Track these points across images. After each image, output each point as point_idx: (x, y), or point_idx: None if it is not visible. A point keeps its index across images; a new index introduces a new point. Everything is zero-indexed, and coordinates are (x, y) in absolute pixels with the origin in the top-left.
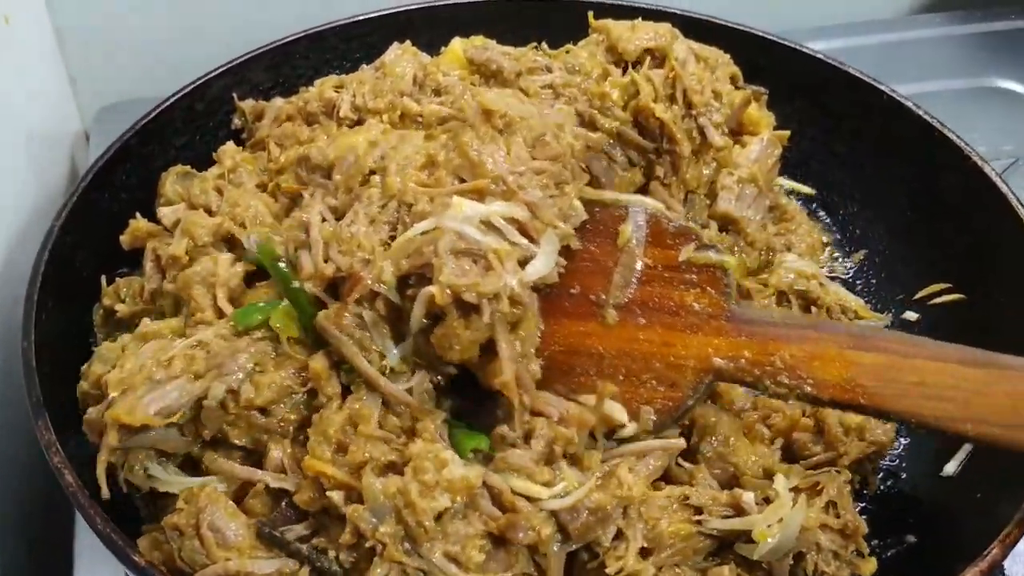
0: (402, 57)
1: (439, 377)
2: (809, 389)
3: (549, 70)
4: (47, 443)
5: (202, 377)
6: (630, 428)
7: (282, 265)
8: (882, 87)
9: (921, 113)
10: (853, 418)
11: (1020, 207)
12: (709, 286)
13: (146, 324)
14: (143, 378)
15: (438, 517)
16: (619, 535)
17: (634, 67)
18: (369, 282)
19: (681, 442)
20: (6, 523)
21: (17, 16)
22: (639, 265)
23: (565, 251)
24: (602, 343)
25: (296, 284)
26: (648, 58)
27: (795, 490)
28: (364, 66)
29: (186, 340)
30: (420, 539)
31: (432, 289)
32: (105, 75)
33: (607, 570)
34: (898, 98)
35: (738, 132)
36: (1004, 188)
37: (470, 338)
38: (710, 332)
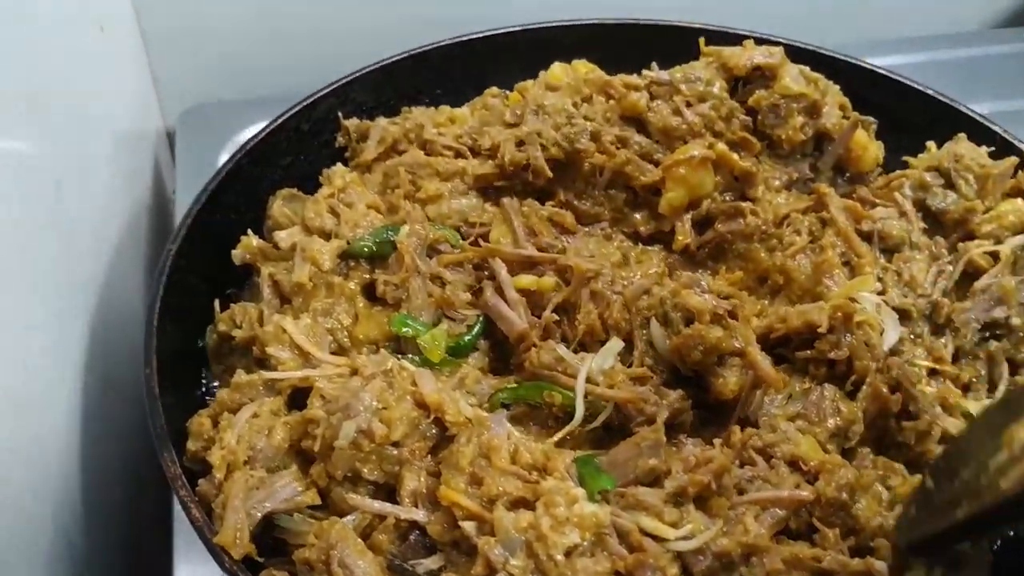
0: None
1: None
2: None
3: (677, 89)
4: (172, 476)
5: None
6: None
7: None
8: (994, 126)
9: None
10: None
11: None
12: None
13: (240, 375)
14: (245, 449)
15: (567, 553)
16: None
17: (744, 85)
18: None
19: (808, 495)
20: (109, 490)
21: (111, 22)
22: None
23: None
24: None
25: None
26: (759, 76)
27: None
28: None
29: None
30: (550, 573)
31: None
32: (188, 77)
33: None
34: (1010, 138)
35: (846, 158)
36: None
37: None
38: None
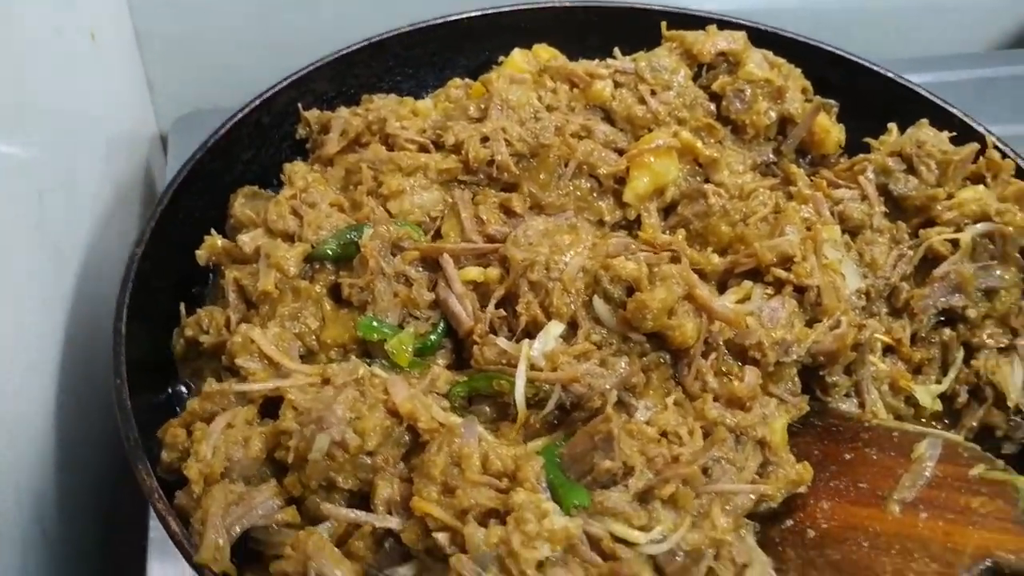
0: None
1: None
2: None
3: (641, 78)
4: (149, 490)
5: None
6: None
7: None
8: (953, 109)
9: (984, 131)
10: None
11: None
12: (998, 497)
13: (211, 384)
14: (221, 460)
15: (539, 565)
16: (710, 572)
17: (707, 71)
18: None
19: (766, 488)
20: (83, 486)
21: (102, 27)
22: (928, 473)
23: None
24: (880, 524)
25: None
26: (723, 62)
27: None
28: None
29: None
30: None
31: None
32: (183, 83)
33: None
34: (969, 121)
35: (808, 140)
36: None
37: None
38: (994, 530)
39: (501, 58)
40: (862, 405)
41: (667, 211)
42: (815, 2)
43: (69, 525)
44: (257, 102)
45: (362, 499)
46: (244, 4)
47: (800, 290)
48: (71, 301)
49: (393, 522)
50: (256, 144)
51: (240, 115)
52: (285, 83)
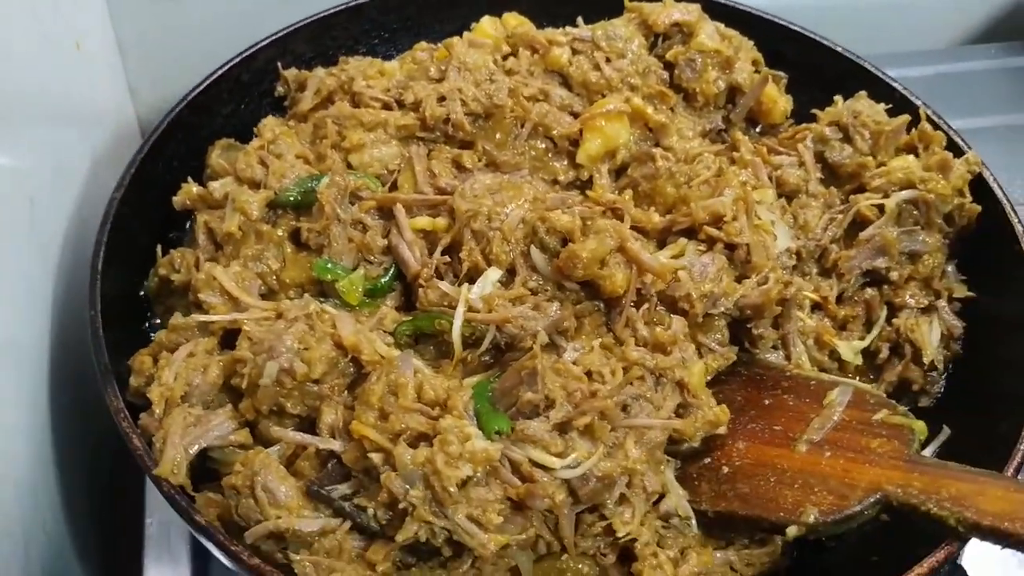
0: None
1: None
2: (970, 515)
3: (597, 46)
4: (115, 409)
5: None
6: (792, 529)
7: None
8: (894, 82)
9: (921, 104)
10: None
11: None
12: (895, 438)
13: (177, 317)
14: (182, 385)
15: (463, 484)
16: (622, 499)
17: (663, 40)
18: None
19: (677, 422)
20: (81, 483)
21: (87, 37)
22: (836, 417)
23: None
24: (787, 462)
25: None
26: (677, 33)
27: None
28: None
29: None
30: (446, 502)
31: None
32: (164, 90)
33: (617, 533)
34: (907, 93)
35: (757, 109)
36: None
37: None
38: (887, 467)
39: (473, 24)
40: (788, 357)
41: (618, 173)
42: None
43: (68, 523)
44: (237, 59)
45: (309, 424)
46: (224, 12)
47: (731, 248)
48: (62, 304)
49: (336, 444)
50: (236, 100)
51: (220, 71)
52: (265, 42)
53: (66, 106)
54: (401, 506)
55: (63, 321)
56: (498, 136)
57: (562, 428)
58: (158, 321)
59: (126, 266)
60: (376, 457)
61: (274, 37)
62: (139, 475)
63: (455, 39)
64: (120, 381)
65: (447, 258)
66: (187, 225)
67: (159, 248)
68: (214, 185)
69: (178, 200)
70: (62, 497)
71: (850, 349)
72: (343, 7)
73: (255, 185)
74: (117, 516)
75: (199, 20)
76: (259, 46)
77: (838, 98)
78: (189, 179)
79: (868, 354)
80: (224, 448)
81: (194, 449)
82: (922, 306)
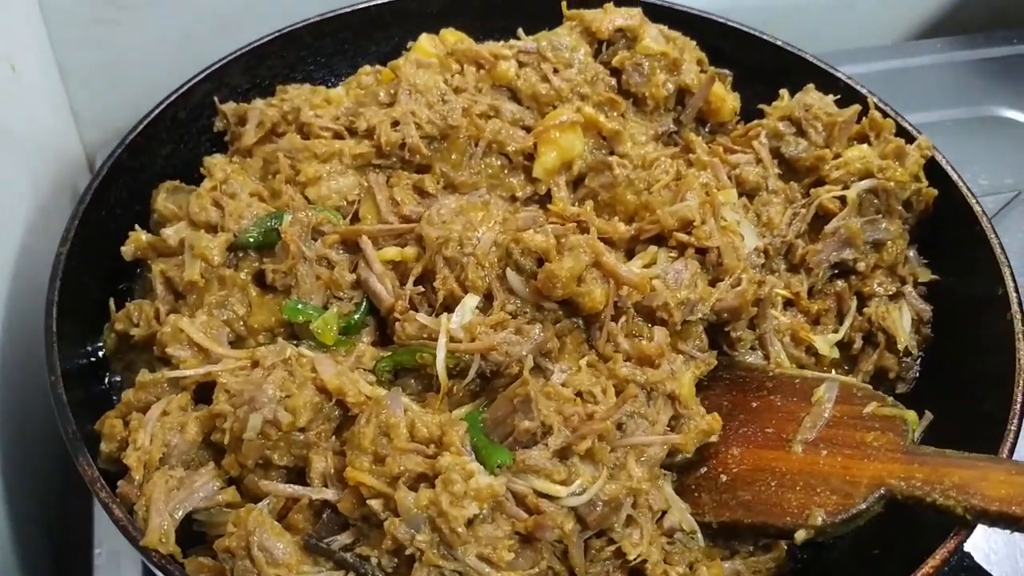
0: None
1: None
2: (976, 502)
3: (544, 57)
4: (91, 480)
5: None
6: (800, 534)
7: None
8: (838, 73)
9: (867, 93)
10: None
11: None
12: (889, 430)
13: (144, 374)
14: (159, 447)
15: (469, 523)
16: (630, 521)
17: (607, 47)
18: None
19: (676, 437)
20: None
21: (23, 60)
22: (827, 414)
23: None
24: (786, 465)
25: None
26: (621, 38)
27: None
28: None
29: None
30: (455, 544)
31: None
32: (108, 112)
33: (628, 556)
34: (852, 83)
35: (706, 109)
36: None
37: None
38: (886, 460)
39: (410, 44)
40: (767, 357)
41: (575, 184)
42: (725, 1)
43: (16, 531)
44: (173, 97)
45: (298, 474)
46: (165, 33)
47: (702, 252)
48: (2, 325)
49: (329, 493)
50: (175, 139)
51: (156, 111)
52: (199, 77)
53: (3, 126)
54: (408, 552)
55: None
56: (453, 157)
57: (563, 454)
58: (118, 379)
59: (79, 323)
60: (376, 503)
61: (209, 71)
62: (87, 501)
63: (401, 60)
64: (89, 446)
65: (420, 288)
66: (137, 276)
67: (112, 302)
68: (167, 232)
69: (127, 250)
70: (10, 524)
71: (826, 343)
72: (277, 34)
73: (211, 228)
74: (67, 545)
75: (141, 42)
76: (193, 81)
77: (784, 92)
78: (136, 227)
79: (842, 346)
80: (211, 509)
81: (180, 514)
82: (890, 293)
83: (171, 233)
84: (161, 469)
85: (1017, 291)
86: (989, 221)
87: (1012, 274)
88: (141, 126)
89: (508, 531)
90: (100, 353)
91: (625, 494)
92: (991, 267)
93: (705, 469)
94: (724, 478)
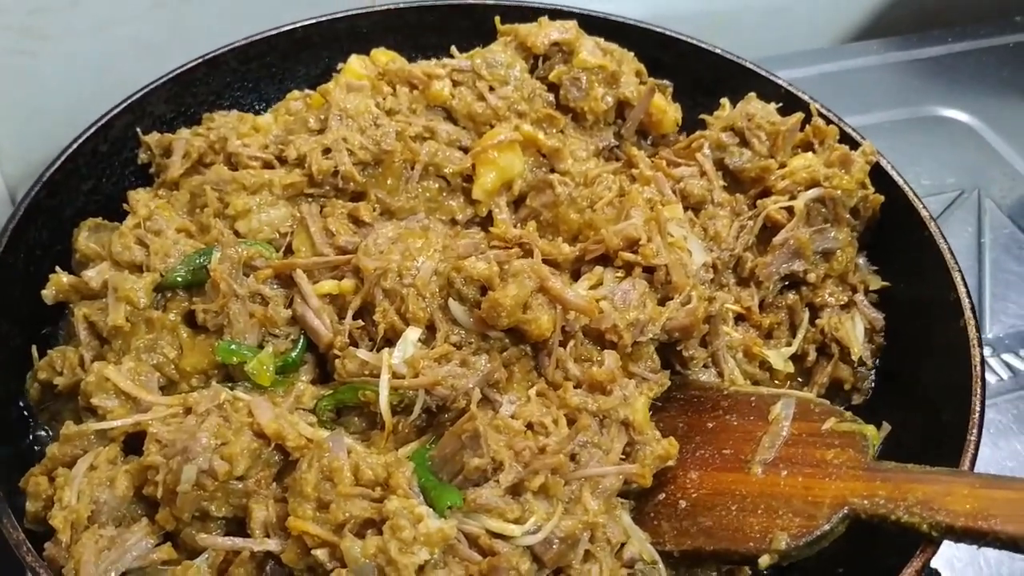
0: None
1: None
2: (941, 518)
3: (479, 75)
4: (16, 542)
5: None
6: (765, 559)
7: None
8: (778, 80)
9: (808, 99)
10: None
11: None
12: (849, 447)
13: (69, 427)
14: (87, 505)
15: (420, 569)
16: (588, 556)
17: (543, 62)
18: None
19: (632, 467)
20: None
21: None
22: (785, 433)
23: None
24: (746, 487)
25: None
26: (557, 52)
27: None
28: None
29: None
30: None
31: None
32: (28, 144)
33: None
34: (792, 89)
35: (647, 122)
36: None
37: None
38: (848, 479)
39: (340, 65)
40: (720, 374)
41: (517, 204)
42: (661, 8)
43: None
44: (92, 129)
45: (239, 525)
46: (86, 62)
47: (649, 270)
48: None
49: (272, 544)
50: (96, 174)
51: (75, 145)
52: (120, 108)
53: None
54: None
55: None
56: (389, 182)
57: (515, 491)
58: (43, 432)
59: (1, 372)
60: (321, 553)
61: (129, 101)
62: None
63: (330, 85)
64: (13, 505)
65: (360, 322)
66: (60, 320)
67: (34, 349)
68: (89, 273)
69: (48, 293)
70: None
71: (779, 357)
72: (200, 60)
73: (136, 268)
74: None
75: (61, 72)
76: (114, 112)
77: (725, 101)
78: (57, 268)
79: (796, 358)
80: (145, 568)
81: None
82: (842, 303)
83: (93, 275)
84: (90, 528)
85: (969, 296)
86: (937, 226)
87: (963, 279)
88: (59, 161)
89: (462, 575)
90: (22, 404)
91: (581, 529)
92: (942, 273)
93: (663, 495)
94: (683, 504)
